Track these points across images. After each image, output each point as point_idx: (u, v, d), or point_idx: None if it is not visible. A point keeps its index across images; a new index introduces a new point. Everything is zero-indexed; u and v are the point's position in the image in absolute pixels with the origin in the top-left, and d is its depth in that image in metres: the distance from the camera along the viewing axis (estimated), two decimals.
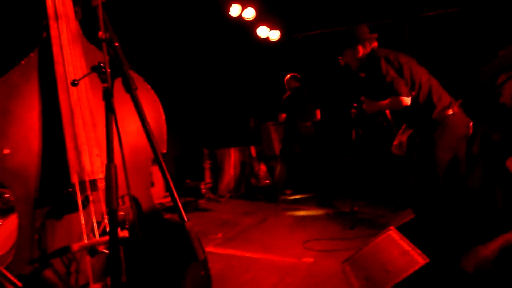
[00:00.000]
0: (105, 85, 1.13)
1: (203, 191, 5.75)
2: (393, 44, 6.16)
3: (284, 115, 5.55)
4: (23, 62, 1.57)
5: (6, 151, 1.48)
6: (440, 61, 6.00)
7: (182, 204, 3.81)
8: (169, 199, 5.40)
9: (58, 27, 1.47)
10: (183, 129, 6.13)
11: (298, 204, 5.35)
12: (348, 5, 6.21)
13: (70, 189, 1.50)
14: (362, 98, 3.62)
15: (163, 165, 1.11)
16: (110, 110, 1.14)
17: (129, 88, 1.11)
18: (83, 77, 1.35)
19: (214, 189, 6.02)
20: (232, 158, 6.17)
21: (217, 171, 6.10)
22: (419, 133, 3.57)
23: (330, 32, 6.64)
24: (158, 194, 5.24)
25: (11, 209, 1.73)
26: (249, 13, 6.38)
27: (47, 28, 1.59)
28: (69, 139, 1.51)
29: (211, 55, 6.85)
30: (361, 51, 3.47)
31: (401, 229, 3.13)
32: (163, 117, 1.75)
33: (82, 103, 1.52)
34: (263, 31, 6.79)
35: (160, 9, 5.97)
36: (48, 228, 1.49)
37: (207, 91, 6.80)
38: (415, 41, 5.99)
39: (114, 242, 1.16)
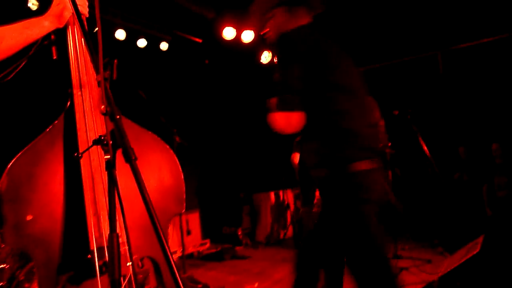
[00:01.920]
0: (107, 156, 1.16)
1: (240, 237, 5.70)
2: (428, 78, 6.08)
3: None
4: (48, 129, 1.65)
5: (29, 217, 1.53)
6: (475, 94, 5.79)
7: (219, 252, 3.74)
8: (206, 246, 5.39)
9: (81, 95, 1.56)
10: (220, 173, 6.19)
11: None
12: (378, 42, 6.19)
13: (89, 256, 1.52)
14: None
15: (161, 234, 1.10)
16: (112, 182, 1.17)
17: (129, 159, 1.13)
18: (85, 150, 1.40)
19: (251, 234, 5.94)
20: (269, 202, 6.11)
21: (255, 216, 6.05)
22: None
23: (364, 70, 6.62)
24: (195, 242, 5.25)
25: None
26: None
27: (71, 96, 1.68)
28: (89, 204, 1.55)
29: (247, 101, 7.01)
30: None
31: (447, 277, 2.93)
32: (182, 176, 1.76)
33: (102, 169, 1.57)
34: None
35: (194, 61, 6.24)
36: None
37: (243, 134, 6.88)
38: (450, 74, 5.85)
39: None
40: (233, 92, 6.77)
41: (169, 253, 1.24)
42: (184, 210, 1.77)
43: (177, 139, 3.84)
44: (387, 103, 5.10)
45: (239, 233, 5.76)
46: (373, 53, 6.27)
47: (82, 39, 1.63)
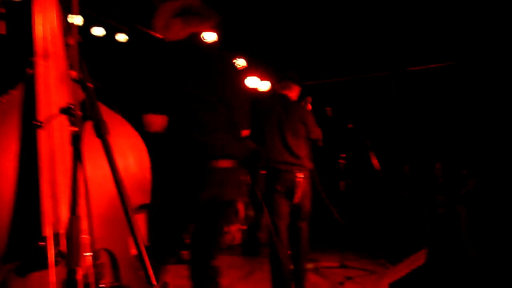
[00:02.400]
0: (74, 129, 1.04)
1: (187, 241, 5.51)
2: (381, 96, 6.36)
3: None
4: (4, 100, 1.47)
5: None
6: (422, 115, 6.16)
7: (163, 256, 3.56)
8: None
9: (46, 65, 1.40)
10: (173, 176, 5.99)
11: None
12: (338, 58, 6.38)
13: (43, 243, 1.36)
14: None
15: (131, 219, 1.00)
16: (77, 159, 1.04)
17: (100, 134, 1.02)
18: (49, 119, 1.26)
19: None
20: None
21: None
22: None
23: (319, 84, 6.77)
24: None
25: None
26: (240, 63, 6.49)
27: (32, 66, 1.50)
28: (46, 185, 1.39)
29: None
30: None
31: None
32: (149, 165, 1.63)
33: (66, 148, 1.41)
34: (252, 82, 6.87)
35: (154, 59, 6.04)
36: (10, 286, 1.34)
37: None
38: (401, 94, 6.15)
39: None
40: None
41: (141, 244, 1.14)
42: (149, 201, 1.65)
43: None
44: (343, 116, 5.26)
45: (185, 237, 5.57)
46: (333, 68, 6.46)
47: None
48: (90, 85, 1.05)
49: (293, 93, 3.69)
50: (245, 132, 2.28)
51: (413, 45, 5.78)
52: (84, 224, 1.44)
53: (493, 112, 5.64)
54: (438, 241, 5.17)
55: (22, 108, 1.46)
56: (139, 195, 1.60)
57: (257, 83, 6.89)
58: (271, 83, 6.99)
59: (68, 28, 1.14)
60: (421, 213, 5.61)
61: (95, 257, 1.47)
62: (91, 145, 1.44)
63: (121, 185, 1.17)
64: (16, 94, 1.45)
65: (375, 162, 4.79)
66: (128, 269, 1.57)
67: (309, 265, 4.75)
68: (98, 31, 5.07)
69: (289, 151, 3.45)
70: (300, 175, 3.43)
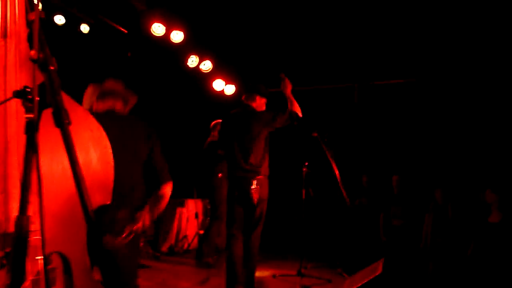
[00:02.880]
0: (30, 115, 0.92)
1: (141, 244, 5.32)
2: (344, 107, 6.48)
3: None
4: None
5: None
6: (383, 127, 6.34)
7: None
8: None
9: (5, 45, 1.27)
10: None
11: None
12: (304, 67, 6.44)
13: None
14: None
15: (91, 219, 0.91)
16: (32, 148, 0.92)
17: (61, 122, 0.91)
18: (3, 105, 1.13)
19: (154, 243, 5.60)
20: (176, 212, 5.84)
21: (159, 224, 5.71)
22: None
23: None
24: None
25: None
26: (206, 66, 6.40)
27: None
28: None
29: (165, 104, 6.72)
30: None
31: None
32: (112, 163, 1.51)
33: (21, 139, 1.27)
34: (219, 85, 6.79)
35: (115, 52, 5.83)
36: None
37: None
38: (363, 105, 6.30)
39: None
40: (152, 91, 6.44)
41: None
42: (110, 202, 1.53)
43: None
44: (308, 125, 5.30)
45: (141, 240, 5.37)
46: (299, 77, 6.49)
47: None
48: (52, 67, 0.93)
49: (257, 103, 3.83)
50: (167, 187, 2.37)
51: (377, 60, 5.94)
52: (35, 224, 1.32)
53: (451, 126, 5.88)
54: (394, 252, 5.28)
55: None
56: (100, 194, 1.48)
57: (223, 86, 6.81)
58: (236, 87, 6.94)
59: (30, 4, 1.03)
60: (377, 224, 5.72)
61: (46, 261, 1.35)
62: (50, 136, 1.31)
63: (81, 181, 1.07)
64: None
65: (336, 171, 4.84)
66: (82, 274, 1.45)
67: (267, 272, 4.73)
68: (59, 19, 4.80)
69: (244, 159, 3.59)
70: (255, 181, 3.52)
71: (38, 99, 0.91)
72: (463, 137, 5.74)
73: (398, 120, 6.06)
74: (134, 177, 2.24)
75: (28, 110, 0.91)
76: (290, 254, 5.26)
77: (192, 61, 6.20)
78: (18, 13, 1.34)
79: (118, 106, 2.35)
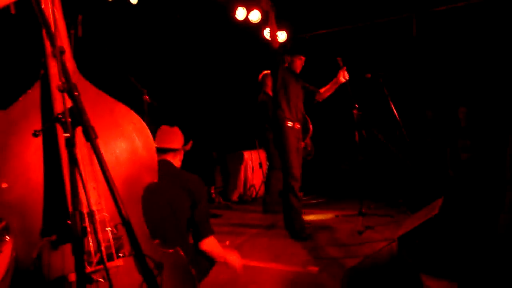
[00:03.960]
0: (67, 135, 1.15)
1: (213, 195, 5.80)
2: (401, 40, 6.13)
3: None
4: (20, 98, 1.61)
5: (4, 185, 1.53)
6: (448, 58, 5.93)
7: None
8: None
9: (55, 66, 1.51)
10: (192, 133, 6.16)
11: (307, 208, 5.32)
12: (355, 4, 6.13)
13: (69, 221, 1.54)
14: None
15: (123, 213, 1.13)
16: (73, 162, 1.16)
17: (89, 138, 1.13)
18: (43, 128, 1.38)
19: (224, 193, 6.06)
20: (242, 162, 6.20)
21: (227, 176, 6.14)
22: None
23: (337, 31, 6.59)
24: None
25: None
26: (255, 16, 6.36)
27: (45, 66, 1.63)
28: (67, 173, 1.55)
29: (220, 60, 6.88)
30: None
31: (406, 237, 3.12)
32: (154, 147, 1.77)
33: (79, 139, 1.55)
34: (268, 32, 6.74)
35: (166, 17, 6.02)
36: (44, 258, 1.54)
37: (217, 96, 6.83)
38: (423, 37, 5.91)
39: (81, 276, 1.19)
40: (206, 50, 6.62)
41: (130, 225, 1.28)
42: (156, 179, 1.79)
43: (147, 98, 3.78)
44: (360, 66, 5.15)
45: (212, 191, 5.86)
46: (346, 14, 6.23)
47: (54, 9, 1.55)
48: (76, 93, 1.14)
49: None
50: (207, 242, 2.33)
51: None
52: (101, 204, 1.62)
53: None
54: (460, 187, 5.19)
55: (41, 106, 1.59)
56: (148, 175, 1.75)
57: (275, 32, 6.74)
58: (287, 33, 6.85)
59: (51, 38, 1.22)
60: (444, 159, 5.60)
61: (114, 231, 1.67)
62: (102, 131, 1.61)
63: (113, 185, 1.29)
64: (33, 94, 1.59)
65: (394, 111, 4.76)
66: (144, 239, 1.75)
67: (330, 215, 4.95)
68: None
69: None
70: None
71: (70, 120, 1.14)
72: None
73: (461, 48, 5.63)
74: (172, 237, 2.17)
75: (65, 131, 1.14)
76: (352, 197, 5.39)
77: (240, 13, 6.20)
78: (61, 31, 1.57)
79: (169, 157, 2.39)
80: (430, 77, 6.05)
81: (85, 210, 1.59)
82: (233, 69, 7.10)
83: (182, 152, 2.49)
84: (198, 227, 2.29)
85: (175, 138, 2.45)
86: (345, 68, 4.12)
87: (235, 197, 6.07)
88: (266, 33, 6.65)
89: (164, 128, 2.49)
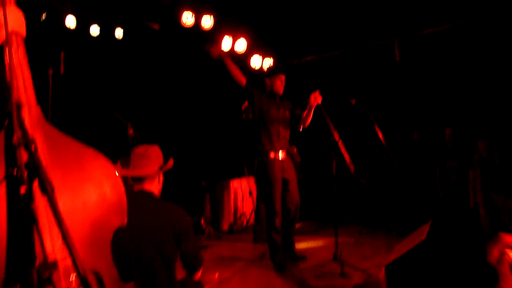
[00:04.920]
0: (22, 189, 1.12)
1: (203, 226, 5.72)
2: (385, 65, 6.21)
3: None
4: None
5: None
6: (431, 80, 6.00)
7: None
8: None
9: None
10: (180, 163, 6.13)
11: (301, 235, 5.23)
12: (339, 29, 6.22)
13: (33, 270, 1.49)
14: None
15: (78, 265, 1.10)
16: (30, 218, 1.12)
17: (46, 191, 1.10)
18: (3, 179, 1.35)
19: (214, 223, 5.98)
20: (231, 190, 6.15)
21: (217, 205, 6.07)
22: None
23: (322, 58, 6.68)
24: None
25: None
26: (241, 45, 6.44)
27: (10, 115, 1.60)
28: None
29: (208, 90, 6.92)
30: None
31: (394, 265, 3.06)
32: (123, 190, 1.74)
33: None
34: (256, 61, 6.83)
35: (152, 49, 6.09)
36: None
37: (204, 124, 6.83)
38: (406, 61, 6.00)
39: None
40: (193, 80, 6.67)
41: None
42: (126, 221, 1.75)
43: (131, 132, 3.77)
44: (344, 92, 5.19)
45: (202, 222, 5.78)
46: (329, 41, 6.32)
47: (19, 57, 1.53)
48: (33, 145, 1.12)
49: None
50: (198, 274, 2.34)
51: (413, 8, 5.55)
52: (65, 251, 1.58)
53: (503, 73, 5.45)
54: (450, 209, 5.15)
55: (5, 155, 1.56)
56: (117, 217, 1.72)
57: (260, 62, 6.83)
58: (273, 60, 6.93)
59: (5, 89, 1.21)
60: (433, 181, 5.57)
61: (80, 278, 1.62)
62: (69, 176, 1.58)
63: (67, 235, 1.25)
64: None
65: (380, 136, 4.77)
66: (111, 284, 1.70)
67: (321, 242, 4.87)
68: (94, 30, 5.12)
69: None
70: None
71: (27, 173, 1.11)
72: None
73: (444, 71, 5.71)
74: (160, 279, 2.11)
75: (22, 184, 1.11)
76: (344, 221, 5.32)
77: (226, 43, 6.28)
78: (26, 82, 1.56)
79: (146, 185, 2.25)
80: (415, 100, 6.11)
81: (50, 258, 1.55)
82: (218, 96, 7.14)
83: (161, 174, 2.28)
84: (189, 261, 2.21)
85: (148, 162, 2.22)
86: (317, 91, 3.94)
87: (225, 226, 5.99)
88: (253, 61, 6.74)
89: (138, 151, 2.25)
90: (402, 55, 5.93)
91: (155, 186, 2.26)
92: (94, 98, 4.41)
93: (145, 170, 2.21)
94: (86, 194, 1.66)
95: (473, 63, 5.58)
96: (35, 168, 1.09)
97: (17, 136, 1.10)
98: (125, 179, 2.26)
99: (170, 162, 2.33)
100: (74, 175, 1.64)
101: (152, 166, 2.23)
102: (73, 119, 4.68)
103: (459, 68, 5.68)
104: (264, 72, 4.19)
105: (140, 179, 2.23)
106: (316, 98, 3.92)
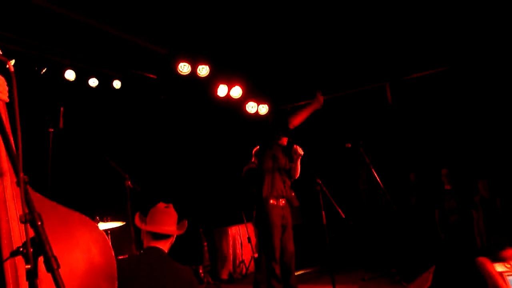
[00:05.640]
0: (28, 266, 1.11)
1: (202, 275, 5.57)
2: (378, 109, 6.33)
3: None
4: None
5: None
6: (425, 121, 6.10)
7: None
8: None
9: (2, 183, 1.48)
10: (178, 210, 6.07)
11: (302, 283, 5.08)
12: (332, 74, 6.38)
13: None
14: None
15: None
16: None
17: (51, 269, 1.09)
18: (4, 261, 1.34)
19: (213, 272, 5.83)
20: (230, 238, 6.05)
21: (215, 252, 5.95)
22: None
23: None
24: None
25: None
26: (236, 92, 6.58)
27: None
28: None
29: (204, 136, 6.99)
30: None
31: None
32: (112, 253, 1.71)
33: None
34: (251, 107, 6.94)
35: (149, 98, 6.20)
36: None
37: (203, 171, 6.83)
38: (399, 104, 6.11)
39: None
40: (191, 128, 6.74)
41: None
42: (116, 287, 1.71)
43: (129, 184, 3.75)
44: (339, 136, 5.26)
45: (200, 271, 5.63)
46: (322, 85, 6.45)
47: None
48: (39, 222, 1.13)
49: None
50: None
51: (404, 53, 5.74)
52: None
53: (495, 113, 5.56)
54: (452, 252, 5.07)
55: None
56: (107, 282, 1.67)
57: (256, 108, 6.94)
58: (268, 106, 7.04)
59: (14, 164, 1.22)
60: (432, 222, 5.52)
61: None
62: (58, 242, 1.56)
63: None
64: None
65: (377, 179, 4.77)
66: None
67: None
68: (93, 82, 5.23)
69: None
70: None
71: (32, 250, 1.10)
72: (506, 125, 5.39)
73: (437, 112, 5.82)
74: None
75: (26, 261, 1.10)
76: (344, 266, 5.22)
77: (222, 90, 6.42)
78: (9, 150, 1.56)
79: (161, 244, 2.24)
80: (410, 142, 6.18)
81: None
82: (215, 143, 7.19)
83: (174, 236, 2.30)
84: None
85: (169, 219, 2.26)
86: (296, 145, 4.08)
87: (224, 275, 5.83)
88: (248, 107, 6.85)
89: (160, 207, 2.29)
90: (394, 98, 6.05)
91: (167, 245, 2.27)
92: (92, 150, 4.43)
93: (167, 228, 2.23)
94: (74, 261, 1.63)
95: (466, 104, 5.70)
96: (41, 245, 1.09)
97: (23, 213, 1.11)
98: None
99: (185, 224, 2.37)
100: (62, 242, 1.62)
101: (171, 224, 2.26)
102: (72, 172, 4.69)
103: (452, 109, 5.79)
104: (267, 120, 4.24)
105: (158, 237, 2.22)
106: (296, 151, 4.06)
